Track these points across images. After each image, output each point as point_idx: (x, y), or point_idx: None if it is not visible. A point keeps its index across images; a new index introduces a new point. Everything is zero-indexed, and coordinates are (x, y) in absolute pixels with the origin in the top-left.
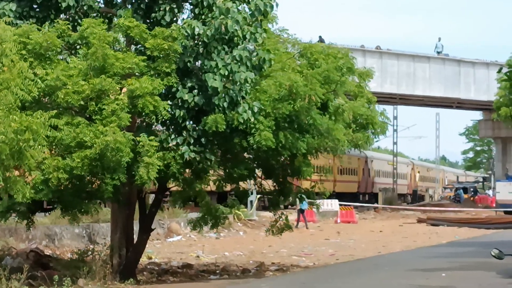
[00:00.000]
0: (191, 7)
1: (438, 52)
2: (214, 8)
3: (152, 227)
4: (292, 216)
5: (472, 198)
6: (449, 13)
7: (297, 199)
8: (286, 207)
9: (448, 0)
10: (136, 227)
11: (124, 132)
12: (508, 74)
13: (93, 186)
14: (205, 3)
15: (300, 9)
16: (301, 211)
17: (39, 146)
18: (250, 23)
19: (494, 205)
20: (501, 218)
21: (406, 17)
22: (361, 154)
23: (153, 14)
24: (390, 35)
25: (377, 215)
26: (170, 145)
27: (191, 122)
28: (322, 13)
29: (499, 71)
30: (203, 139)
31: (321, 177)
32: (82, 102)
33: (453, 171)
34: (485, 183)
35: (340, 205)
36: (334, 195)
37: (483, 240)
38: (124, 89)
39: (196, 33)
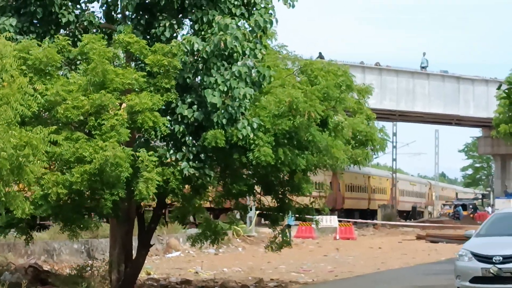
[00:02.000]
0: (191, 23)
1: (423, 67)
2: (213, 24)
3: (151, 242)
4: (291, 232)
5: (471, 215)
6: (448, 29)
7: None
8: None
9: (447, 16)
10: (135, 243)
11: (123, 148)
12: (507, 91)
13: (92, 201)
14: (204, 19)
15: (299, 23)
16: (287, 226)
17: (39, 162)
18: (250, 39)
19: None
20: None
21: (404, 31)
22: (389, 175)
23: (153, 30)
24: (389, 49)
25: (376, 231)
26: (169, 160)
27: (190, 137)
28: (320, 26)
29: (499, 88)
30: (202, 155)
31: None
32: (81, 117)
33: (464, 190)
34: (484, 200)
35: (339, 221)
36: (369, 212)
37: None
38: (124, 105)
39: (195, 49)
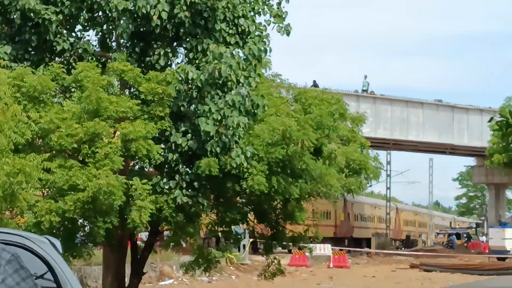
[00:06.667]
0: (185, 51)
1: (364, 90)
2: (208, 52)
3: (144, 270)
4: (285, 260)
5: (465, 244)
6: (443, 57)
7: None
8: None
9: (442, 44)
10: (128, 270)
11: (117, 176)
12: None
13: (85, 229)
14: (199, 48)
15: (294, 50)
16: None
17: (32, 189)
18: (244, 67)
19: (487, 251)
20: (494, 264)
21: (399, 60)
22: (424, 210)
23: (147, 58)
24: (384, 78)
25: (369, 260)
26: (163, 188)
27: (184, 166)
28: (316, 54)
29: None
30: (196, 183)
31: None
32: (75, 145)
33: (468, 221)
34: (478, 229)
35: (333, 249)
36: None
37: (476, 286)
38: (118, 133)
39: (190, 77)
